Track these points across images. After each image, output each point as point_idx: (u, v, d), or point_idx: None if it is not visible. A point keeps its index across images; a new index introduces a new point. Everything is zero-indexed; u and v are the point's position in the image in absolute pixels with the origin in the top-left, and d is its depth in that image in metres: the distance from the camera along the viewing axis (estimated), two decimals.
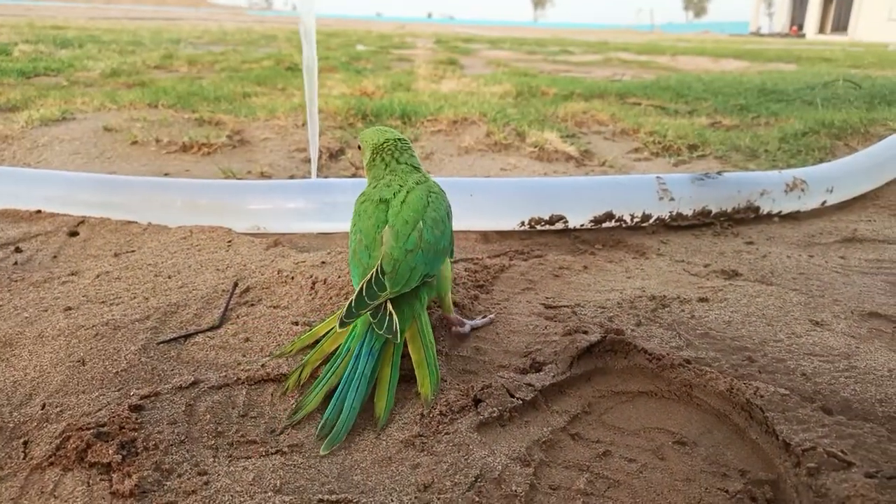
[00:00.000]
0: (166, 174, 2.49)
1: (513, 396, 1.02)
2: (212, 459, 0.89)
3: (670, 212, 1.98)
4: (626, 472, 0.91)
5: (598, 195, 1.94)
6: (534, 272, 1.61)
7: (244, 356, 1.16)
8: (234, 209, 1.87)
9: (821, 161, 2.78)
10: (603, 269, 1.66)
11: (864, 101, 4.44)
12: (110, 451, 0.87)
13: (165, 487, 0.84)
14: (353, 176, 2.56)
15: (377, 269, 1.05)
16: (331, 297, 1.36)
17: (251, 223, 1.87)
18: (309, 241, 1.85)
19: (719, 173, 2.09)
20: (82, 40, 8.69)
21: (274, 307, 1.35)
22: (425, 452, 0.92)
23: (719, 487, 0.88)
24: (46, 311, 1.32)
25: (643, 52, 11.63)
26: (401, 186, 1.17)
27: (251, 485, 0.85)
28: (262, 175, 2.53)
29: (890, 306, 1.43)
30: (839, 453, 0.88)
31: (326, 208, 1.88)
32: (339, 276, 1.42)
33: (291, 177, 2.54)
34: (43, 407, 0.99)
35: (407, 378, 1.05)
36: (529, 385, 1.05)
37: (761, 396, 1.01)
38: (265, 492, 0.83)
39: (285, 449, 0.92)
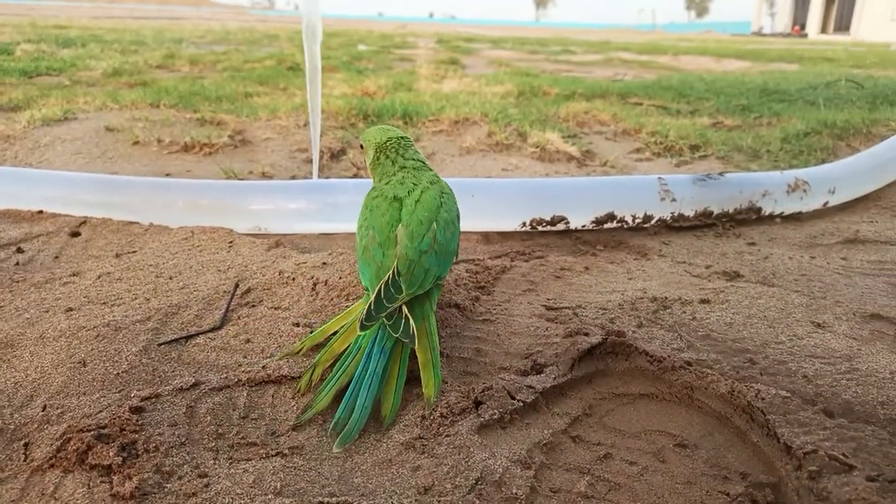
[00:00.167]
0: (168, 174, 2.49)
1: (513, 398, 1.02)
2: (212, 461, 0.89)
3: (672, 213, 1.98)
4: (626, 475, 0.91)
5: (600, 196, 1.94)
6: (535, 273, 1.60)
7: (245, 357, 1.16)
8: (236, 210, 1.87)
9: (823, 162, 2.77)
10: (604, 271, 1.66)
11: (867, 102, 4.43)
12: (111, 453, 0.87)
13: (166, 490, 0.84)
14: (355, 176, 2.56)
15: (394, 271, 1.05)
16: (332, 299, 1.36)
17: (252, 224, 1.87)
18: (310, 241, 1.85)
19: (721, 174, 2.09)
20: (84, 40, 8.70)
21: (275, 308, 1.35)
22: (426, 455, 0.92)
23: (720, 490, 0.88)
24: (48, 311, 1.32)
25: (645, 52, 11.62)
26: (415, 185, 1.17)
27: (252, 487, 0.84)
28: (264, 175, 2.53)
29: (892, 308, 1.42)
30: (841, 456, 0.88)
31: (328, 209, 1.88)
32: (340, 278, 1.42)
33: (293, 177, 2.54)
34: (44, 408, 0.99)
35: (408, 379, 1.05)
36: (530, 387, 1.05)
37: (762, 399, 1.01)
38: (265, 494, 0.83)
39: (286, 451, 0.92)
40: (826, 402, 1.04)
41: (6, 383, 1.06)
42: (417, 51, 10.43)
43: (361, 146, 1.32)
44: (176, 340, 1.21)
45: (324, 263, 1.52)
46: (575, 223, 1.92)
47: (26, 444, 0.91)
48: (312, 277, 1.44)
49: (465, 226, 1.91)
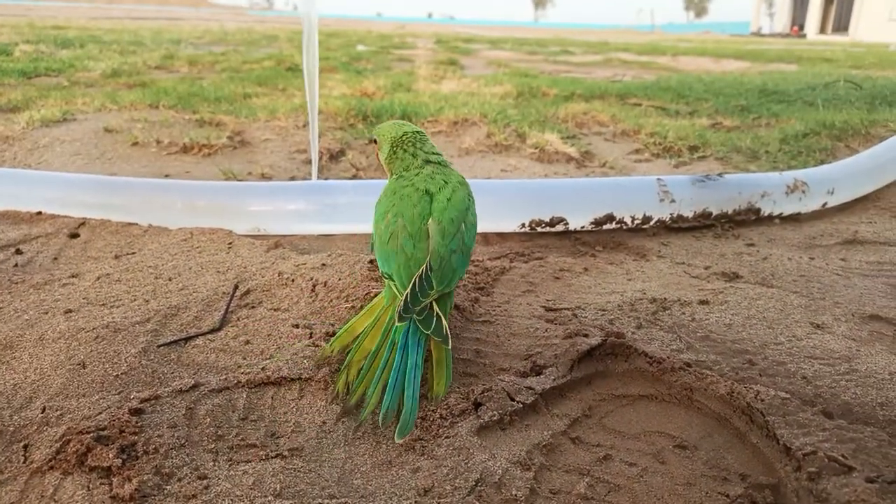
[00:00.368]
0: (167, 175, 2.49)
1: (513, 400, 1.02)
2: (212, 463, 0.89)
3: (671, 213, 1.98)
4: (626, 476, 0.91)
5: (599, 197, 1.94)
6: (534, 274, 1.61)
7: (244, 359, 1.16)
8: (235, 211, 1.87)
9: (822, 162, 2.78)
10: (603, 272, 1.66)
11: (865, 102, 4.43)
12: (110, 455, 0.87)
13: (165, 491, 0.84)
14: (354, 177, 2.56)
15: (427, 266, 1.05)
16: (331, 300, 1.36)
17: (252, 225, 1.87)
18: (309, 242, 1.85)
19: (720, 175, 2.09)
20: (83, 40, 8.69)
21: (274, 310, 1.35)
22: (425, 456, 0.92)
23: (720, 491, 0.88)
24: (47, 313, 1.32)
25: (644, 53, 11.63)
26: (445, 182, 1.16)
27: (251, 489, 0.84)
28: (263, 176, 2.53)
29: (891, 309, 1.42)
30: (840, 458, 0.88)
31: (327, 210, 1.88)
32: (340, 279, 1.42)
33: (292, 178, 2.54)
34: (43, 410, 0.99)
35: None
36: (530, 388, 1.05)
37: (762, 400, 1.01)
38: (265, 496, 0.83)
39: (285, 453, 0.92)
40: (825, 404, 1.04)
41: (5, 385, 1.06)
42: (416, 51, 10.43)
43: (374, 141, 1.29)
44: (175, 342, 1.21)
45: (323, 265, 1.52)
46: (574, 224, 1.92)
47: (26, 446, 0.91)
48: (312, 279, 1.44)
49: None
